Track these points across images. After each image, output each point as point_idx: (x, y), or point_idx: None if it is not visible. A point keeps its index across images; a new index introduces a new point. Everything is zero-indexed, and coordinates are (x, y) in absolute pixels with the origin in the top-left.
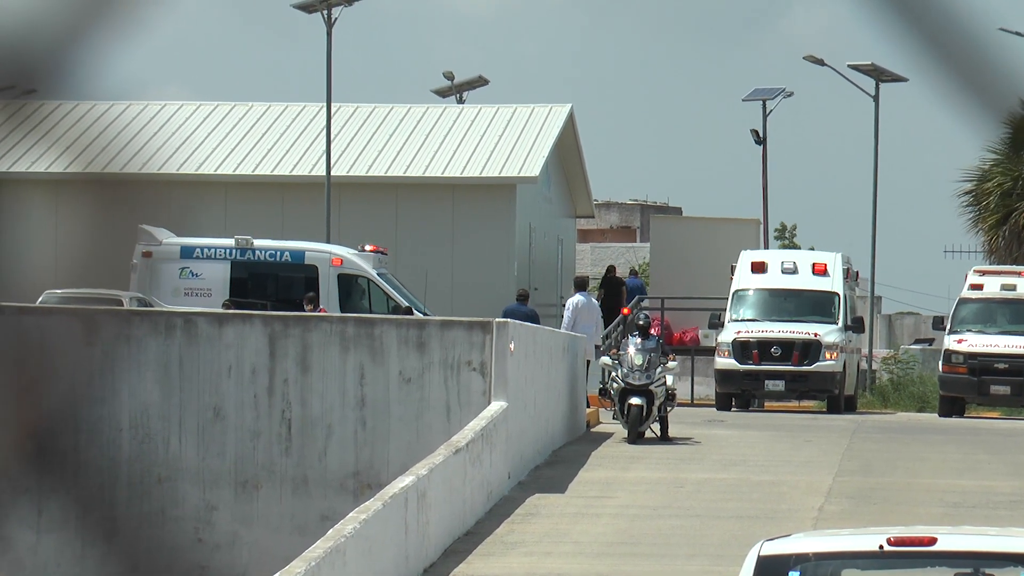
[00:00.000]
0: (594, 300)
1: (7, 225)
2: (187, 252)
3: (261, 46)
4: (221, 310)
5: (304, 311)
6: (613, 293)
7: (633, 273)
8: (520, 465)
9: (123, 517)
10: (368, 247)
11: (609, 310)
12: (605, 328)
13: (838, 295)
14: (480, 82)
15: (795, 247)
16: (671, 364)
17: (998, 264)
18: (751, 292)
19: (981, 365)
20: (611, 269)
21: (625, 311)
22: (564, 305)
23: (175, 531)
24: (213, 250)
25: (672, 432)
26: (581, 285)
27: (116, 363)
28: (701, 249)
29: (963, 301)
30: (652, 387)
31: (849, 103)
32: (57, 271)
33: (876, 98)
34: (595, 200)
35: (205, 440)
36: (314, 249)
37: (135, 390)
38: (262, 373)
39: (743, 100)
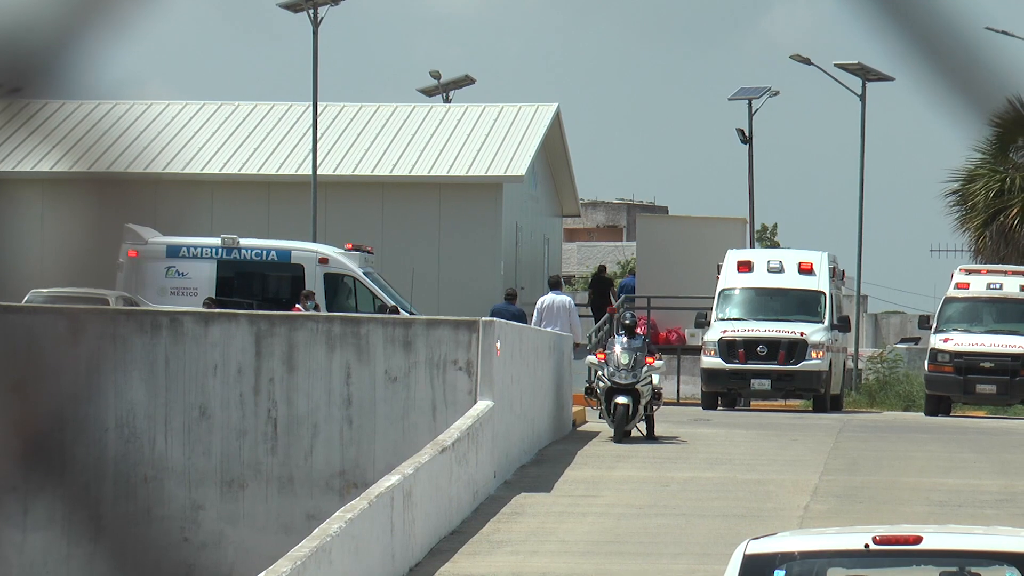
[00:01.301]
0: (566, 298)
1: None
2: (173, 251)
3: (247, 45)
4: (207, 309)
5: (301, 308)
6: (602, 293)
7: (631, 273)
8: (506, 464)
9: (109, 516)
10: (349, 247)
11: (599, 310)
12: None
13: (824, 294)
14: (466, 81)
15: (776, 246)
16: (657, 363)
17: (984, 263)
18: (737, 291)
19: (967, 364)
20: (601, 269)
21: (611, 310)
22: None
23: (161, 530)
24: (199, 249)
25: (658, 431)
26: (554, 284)
27: (102, 362)
28: (687, 248)
29: (949, 300)
30: (638, 386)
31: (835, 102)
32: (43, 270)
33: (863, 97)
34: (581, 199)
35: (191, 439)
36: (300, 248)
37: (121, 389)
38: (248, 372)
39: (729, 99)
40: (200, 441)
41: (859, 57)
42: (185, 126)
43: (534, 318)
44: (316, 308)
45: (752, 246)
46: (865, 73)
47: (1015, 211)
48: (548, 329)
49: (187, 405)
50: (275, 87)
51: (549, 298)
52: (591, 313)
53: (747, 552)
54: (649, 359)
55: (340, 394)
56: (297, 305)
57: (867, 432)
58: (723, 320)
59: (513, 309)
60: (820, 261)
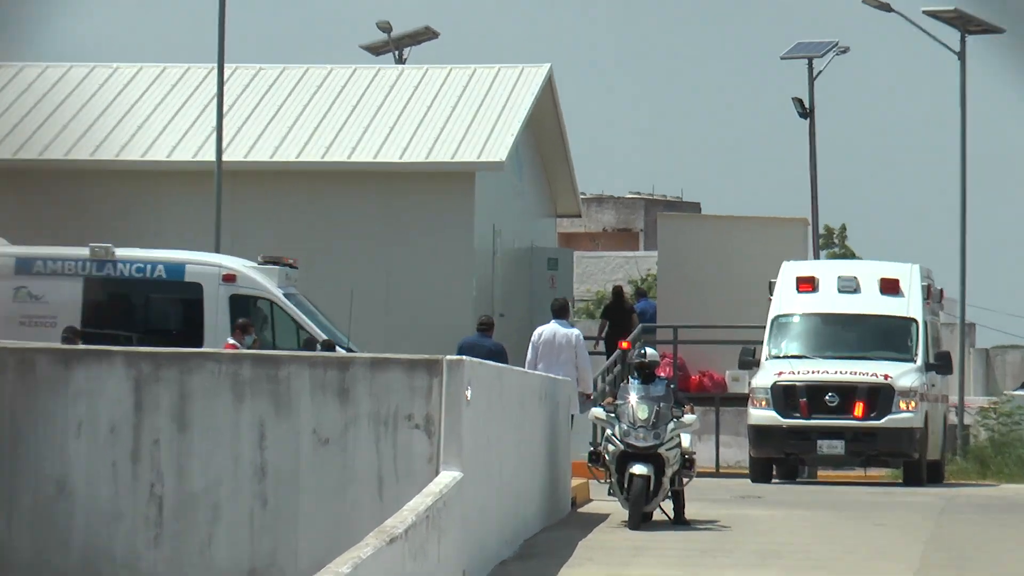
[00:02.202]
0: (574, 331)
1: None
2: (24, 265)
3: None
4: (68, 345)
5: (237, 344)
6: (620, 324)
7: (641, 294)
8: (480, 559)
9: None
10: (268, 259)
11: (615, 346)
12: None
13: (916, 322)
14: (427, 35)
15: (849, 255)
16: (688, 418)
17: None
18: (797, 318)
19: None
20: (618, 292)
21: (624, 345)
22: None
23: None
24: (60, 263)
25: (689, 513)
26: (559, 311)
27: None
28: (726, 259)
29: None
30: (661, 450)
31: (925, 62)
32: None
33: (962, 55)
34: (583, 194)
35: (43, 525)
36: (197, 261)
37: None
38: (124, 431)
39: (782, 58)
40: (56, 528)
41: (956, 2)
42: (48, 93)
43: (528, 355)
44: (256, 344)
45: (816, 256)
46: (964, 23)
47: None
48: (543, 372)
49: (39, 478)
50: (168, 45)
51: (550, 329)
52: (604, 351)
53: None
54: (676, 413)
55: (251, 462)
56: (230, 340)
57: (978, 513)
58: (778, 358)
59: (489, 344)
60: (909, 277)
